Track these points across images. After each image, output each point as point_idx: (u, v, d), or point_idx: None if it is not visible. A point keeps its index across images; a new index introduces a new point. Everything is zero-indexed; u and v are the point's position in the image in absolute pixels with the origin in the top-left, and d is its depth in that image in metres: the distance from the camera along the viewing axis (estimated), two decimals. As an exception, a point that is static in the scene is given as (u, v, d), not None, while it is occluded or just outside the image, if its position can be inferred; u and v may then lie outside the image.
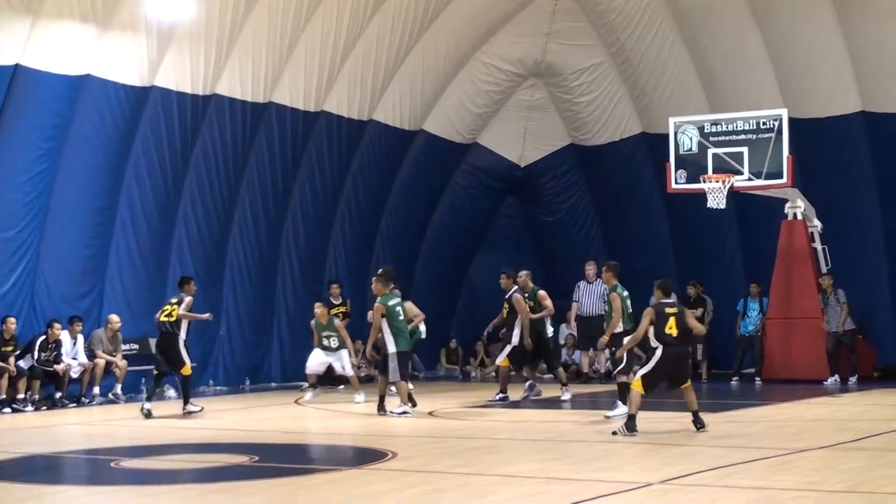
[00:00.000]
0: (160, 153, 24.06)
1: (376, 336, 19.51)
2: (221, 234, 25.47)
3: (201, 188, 24.93)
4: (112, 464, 14.12)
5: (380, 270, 20.70)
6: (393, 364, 19.28)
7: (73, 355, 22.39)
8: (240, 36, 24.38)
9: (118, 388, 23.00)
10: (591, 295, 26.44)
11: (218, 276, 25.48)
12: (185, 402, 20.00)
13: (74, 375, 22.35)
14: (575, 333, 27.37)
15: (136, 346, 23.90)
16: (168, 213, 24.47)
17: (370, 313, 20.38)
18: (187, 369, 19.97)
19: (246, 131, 25.37)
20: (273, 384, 26.39)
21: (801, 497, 11.02)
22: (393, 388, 19.93)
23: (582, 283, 26.74)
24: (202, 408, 20.12)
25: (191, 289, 20.25)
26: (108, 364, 22.81)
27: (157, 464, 14.22)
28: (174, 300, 20.15)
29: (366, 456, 14.39)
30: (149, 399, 20.09)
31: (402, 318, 19.64)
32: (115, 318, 23.12)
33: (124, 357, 23.23)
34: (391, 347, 19.27)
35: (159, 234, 24.38)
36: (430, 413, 19.80)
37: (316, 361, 22.54)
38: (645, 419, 17.99)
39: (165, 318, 19.85)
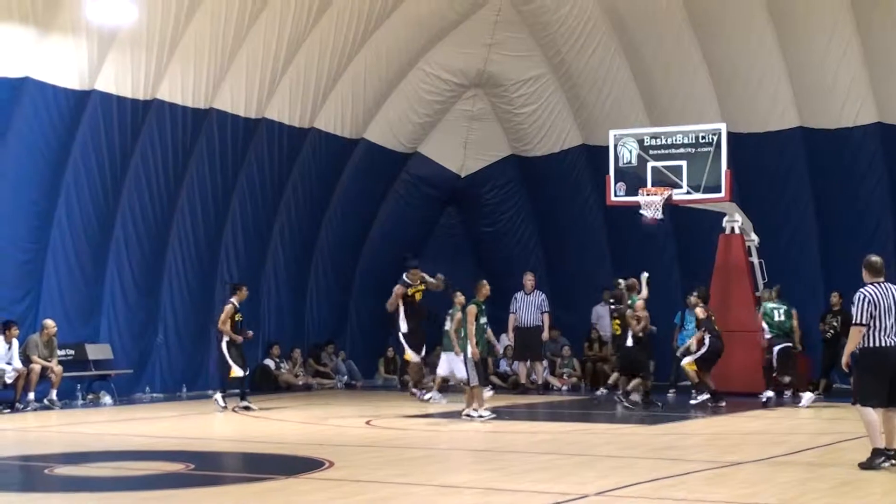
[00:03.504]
0: (99, 158, 23.89)
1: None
2: (160, 241, 25.32)
3: (140, 194, 24.77)
4: (46, 471, 13.98)
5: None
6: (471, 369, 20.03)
7: (7, 360, 22.17)
8: (181, 41, 24.26)
9: (53, 394, 22.76)
10: (529, 306, 26.50)
11: (156, 283, 25.33)
12: (242, 398, 22.07)
13: (9, 381, 22.13)
14: (512, 344, 27.39)
15: (72, 352, 23.70)
16: (106, 218, 24.28)
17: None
18: (232, 372, 21.73)
19: (186, 137, 25.25)
20: (210, 392, 26.18)
21: (736, 510, 11.13)
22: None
23: (519, 294, 26.75)
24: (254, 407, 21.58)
25: (241, 295, 22.27)
26: (44, 370, 22.58)
27: (92, 471, 14.12)
28: None
29: (303, 465, 14.34)
30: (242, 398, 22.29)
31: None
32: (50, 323, 22.90)
33: (60, 363, 23.01)
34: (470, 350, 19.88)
35: (97, 239, 24.19)
36: (368, 422, 19.78)
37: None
38: (583, 431, 18.08)
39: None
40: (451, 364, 22.67)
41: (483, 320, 20.03)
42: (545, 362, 27.53)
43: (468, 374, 19.96)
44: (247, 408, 22.06)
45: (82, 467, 14.41)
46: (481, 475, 13.42)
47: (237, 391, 22.71)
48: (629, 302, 22.77)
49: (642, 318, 22.53)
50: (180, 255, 25.78)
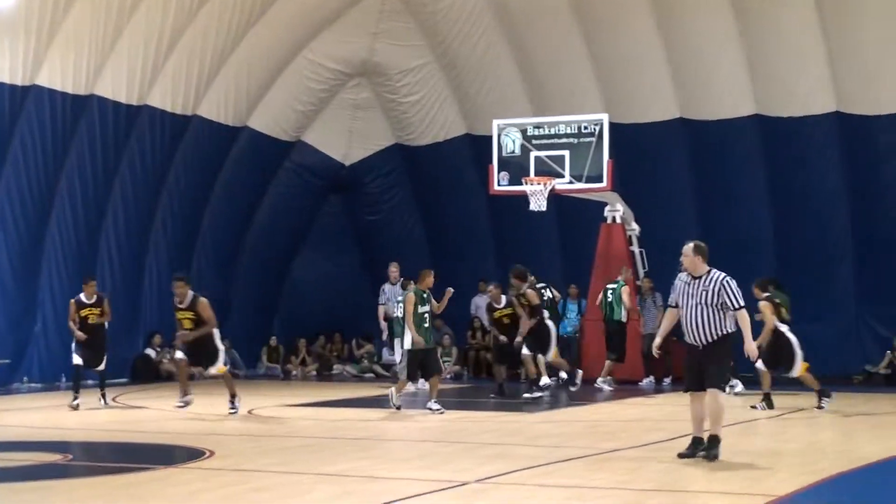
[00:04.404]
0: (-25, 144, 23.55)
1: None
2: (39, 228, 24.97)
3: (18, 180, 24.40)
4: (-81, 462, 13.77)
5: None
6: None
7: None
8: (62, 26, 23.94)
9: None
10: (395, 297, 26.35)
11: (34, 271, 24.98)
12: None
13: None
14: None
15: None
16: (-18, 205, 23.95)
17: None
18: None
19: (66, 124, 24.93)
20: (90, 381, 25.88)
21: (611, 495, 11.27)
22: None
23: (386, 286, 26.52)
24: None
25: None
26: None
27: (-33, 462, 13.91)
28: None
29: (183, 454, 14.28)
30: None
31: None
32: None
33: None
34: None
35: (-27, 226, 23.85)
36: (250, 411, 19.70)
37: None
38: (463, 419, 18.19)
39: None
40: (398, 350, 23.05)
41: (424, 309, 19.46)
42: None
43: (399, 366, 19.57)
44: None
45: (-43, 458, 14.19)
46: (361, 463, 13.46)
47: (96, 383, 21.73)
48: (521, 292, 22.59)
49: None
50: (59, 243, 25.43)
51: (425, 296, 19.63)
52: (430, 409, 19.10)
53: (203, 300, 19.08)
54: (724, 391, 14.07)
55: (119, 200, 26.54)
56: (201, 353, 19.09)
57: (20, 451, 14.70)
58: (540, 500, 11.12)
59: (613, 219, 26.39)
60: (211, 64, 27.10)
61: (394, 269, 26.41)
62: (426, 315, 19.55)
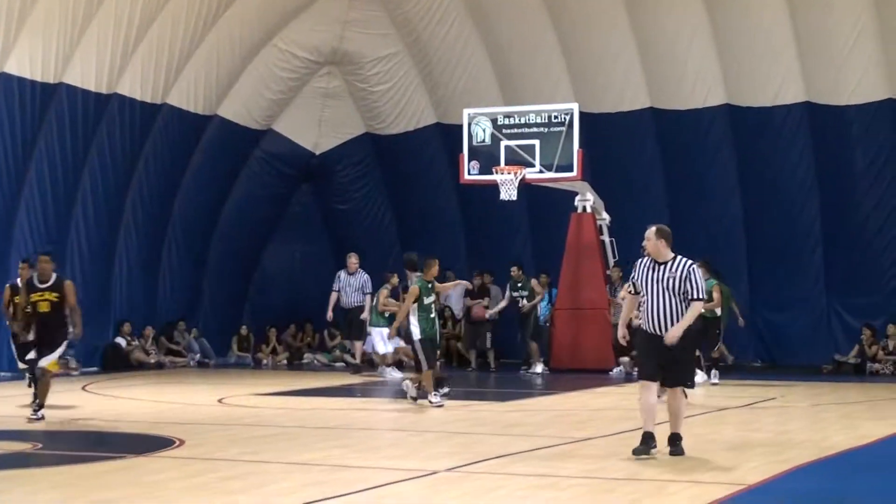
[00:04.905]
0: (-57, 132, 23.40)
1: None
2: (7, 218, 24.81)
3: (-13, 168, 24.31)
4: None
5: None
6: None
7: None
8: (31, 13, 23.80)
9: None
10: (351, 286, 26.30)
11: (3, 258, 24.82)
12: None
13: None
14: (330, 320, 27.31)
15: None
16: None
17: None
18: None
19: (35, 112, 24.78)
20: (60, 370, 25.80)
21: (582, 484, 11.30)
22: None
23: (342, 273, 26.42)
24: None
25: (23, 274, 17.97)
26: None
27: (-66, 451, 13.83)
28: None
29: (153, 443, 14.23)
30: None
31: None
32: None
33: None
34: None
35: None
36: (220, 400, 19.68)
37: None
38: (433, 408, 18.20)
39: None
40: (372, 339, 23.52)
41: (430, 300, 18.66)
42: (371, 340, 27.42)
43: (419, 358, 18.61)
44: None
45: (-76, 448, 14.12)
46: (332, 452, 13.45)
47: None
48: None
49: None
50: (28, 231, 25.26)
51: (430, 286, 18.82)
52: (431, 402, 18.32)
53: (70, 282, 17.41)
54: (692, 387, 13.35)
55: (88, 189, 26.41)
56: (49, 340, 16.90)
57: (-12, 441, 14.65)
58: (511, 489, 11.14)
59: (584, 208, 26.41)
60: (181, 52, 26.98)
61: (353, 260, 26.25)
62: (432, 306, 18.76)
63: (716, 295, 21.00)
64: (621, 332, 13.30)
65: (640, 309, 13.14)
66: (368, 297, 25.59)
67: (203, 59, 27.56)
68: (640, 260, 13.11)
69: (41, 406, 16.71)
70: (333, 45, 29.62)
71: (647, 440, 12.70)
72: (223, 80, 28.38)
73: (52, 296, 16.86)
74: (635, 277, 13.00)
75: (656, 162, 28.07)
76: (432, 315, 18.72)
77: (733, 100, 27.10)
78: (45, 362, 16.86)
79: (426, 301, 18.60)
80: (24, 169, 24.95)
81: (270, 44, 28.80)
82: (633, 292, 13.17)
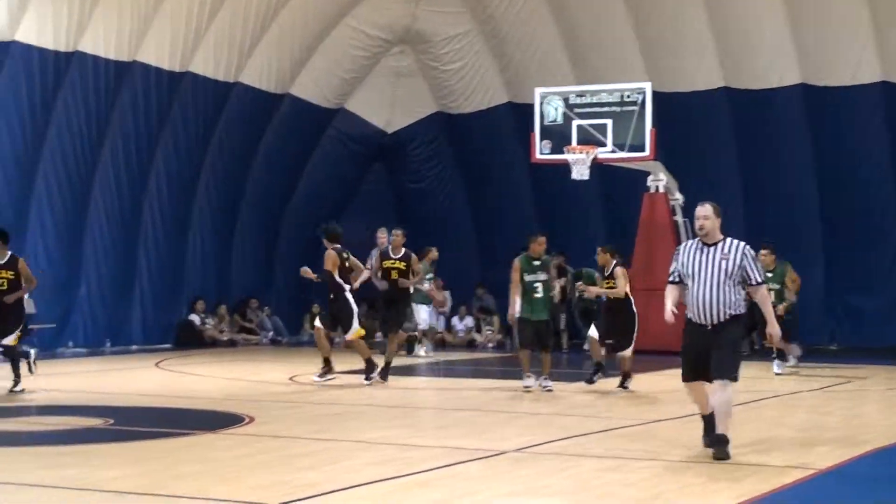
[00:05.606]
0: (19, 109, 23.65)
1: None
2: (83, 193, 25.09)
3: (63, 147, 24.53)
4: (-37, 425, 13.87)
5: None
6: None
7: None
8: (105, -8, 24.01)
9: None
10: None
11: (79, 237, 25.12)
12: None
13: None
14: None
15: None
16: (28, 169, 24.05)
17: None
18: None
19: (109, 90, 25.01)
20: (134, 346, 26.10)
21: (649, 466, 11.22)
22: None
23: (375, 251, 24.40)
24: None
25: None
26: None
27: (9, 425, 13.99)
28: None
29: (223, 420, 14.31)
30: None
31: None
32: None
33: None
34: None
35: (18, 193, 23.96)
36: (291, 378, 19.76)
37: None
38: (504, 389, 18.17)
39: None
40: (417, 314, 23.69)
41: (533, 277, 17.51)
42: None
43: (512, 336, 18.28)
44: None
45: (-1, 422, 14.30)
46: (398, 431, 13.47)
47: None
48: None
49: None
50: (103, 209, 25.55)
51: (536, 263, 17.63)
52: (543, 386, 17.61)
53: (22, 259, 17.50)
54: (737, 380, 11.75)
55: (162, 167, 26.63)
56: (5, 321, 17.20)
57: (62, 416, 14.82)
58: (578, 471, 11.08)
59: (657, 188, 26.25)
60: (253, 30, 27.09)
61: (381, 235, 23.95)
62: (537, 284, 17.55)
63: (793, 277, 20.63)
64: (669, 315, 12.02)
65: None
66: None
67: (275, 37, 27.64)
68: (683, 244, 12.05)
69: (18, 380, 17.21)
70: (405, 24, 29.61)
71: (709, 427, 11.85)
72: (296, 58, 28.46)
73: (9, 274, 17.17)
74: (682, 264, 11.77)
75: (730, 141, 27.82)
76: (538, 294, 17.57)
77: (809, 79, 26.80)
78: (8, 341, 17.32)
79: (527, 278, 17.58)
80: (99, 147, 25.18)
81: (343, 22, 28.85)
82: (675, 281, 11.98)
